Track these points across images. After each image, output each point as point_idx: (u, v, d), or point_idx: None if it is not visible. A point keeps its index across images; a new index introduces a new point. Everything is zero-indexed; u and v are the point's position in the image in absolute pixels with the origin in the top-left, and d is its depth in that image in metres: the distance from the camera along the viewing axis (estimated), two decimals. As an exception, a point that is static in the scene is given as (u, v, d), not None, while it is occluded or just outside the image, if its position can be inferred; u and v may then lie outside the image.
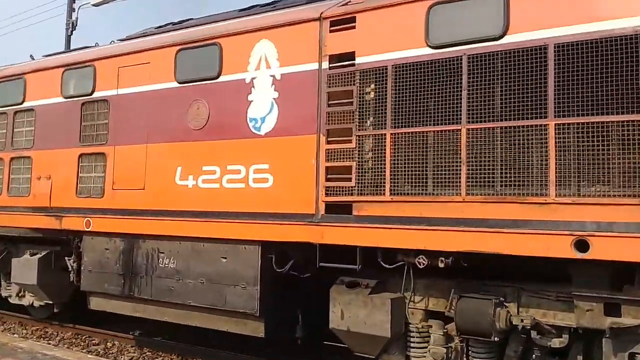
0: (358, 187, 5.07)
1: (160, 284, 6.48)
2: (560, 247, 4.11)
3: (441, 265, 4.56)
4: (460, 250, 4.49)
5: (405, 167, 4.82)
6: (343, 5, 5.40)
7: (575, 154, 4.12)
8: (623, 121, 3.92)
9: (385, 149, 4.92)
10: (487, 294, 4.68)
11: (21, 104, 7.94)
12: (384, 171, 4.91)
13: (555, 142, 4.18)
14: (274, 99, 5.71)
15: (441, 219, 4.60)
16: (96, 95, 7.12)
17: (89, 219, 7.02)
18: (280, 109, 5.64)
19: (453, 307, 4.79)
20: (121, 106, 6.94)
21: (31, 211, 7.60)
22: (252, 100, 5.87)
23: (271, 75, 5.75)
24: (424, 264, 4.68)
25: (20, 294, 8.44)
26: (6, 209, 7.92)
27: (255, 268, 5.76)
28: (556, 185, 4.15)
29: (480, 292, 4.74)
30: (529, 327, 4.54)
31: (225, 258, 5.99)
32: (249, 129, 5.89)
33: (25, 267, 7.79)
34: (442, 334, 4.93)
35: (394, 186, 4.86)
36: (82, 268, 7.21)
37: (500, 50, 4.42)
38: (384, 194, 4.91)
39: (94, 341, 8.06)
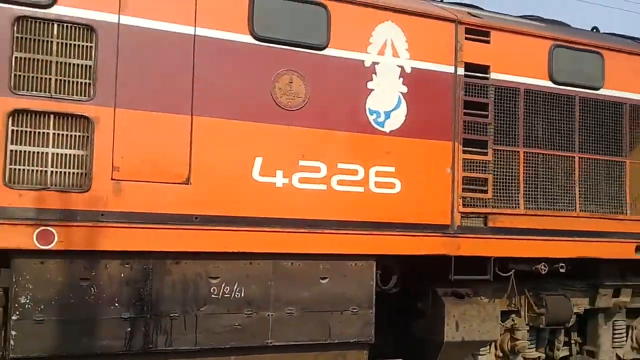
0: (494, 199, 5.59)
1: (214, 324, 4.68)
2: (628, 251, 6.16)
3: (561, 270, 5.79)
4: (573, 257, 5.86)
5: (534, 183, 5.76)
6: (475, 16, 5.72)
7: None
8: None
9: (519, 165, 5.69)
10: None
11: None
12: (518, 185, 5.67)
13: (623, 175, 6.25)
14: (401, 93, 5.29)
15: (560, 230, 5.84)
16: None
17: (47, 229, 4.20)
18: (409, 107, 5.30)
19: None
20: (130, 43, 4.51)
21: None
22: (372, 89, 5.18)
23: (399, 66, 5.29)
24: (544, 270, 5.75)
25: None
26: None
27: (371, 287, 5.17)
28: (630, 206, 6.20)
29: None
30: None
31: (326, 278, 5.05)
32: (369, 122, 5.18)
33: None
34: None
35: (526, 200, 5.72)
36: (13, 319, 4.18)
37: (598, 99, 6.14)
38: (519, 207, 5.67)
39: None
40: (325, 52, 5.07)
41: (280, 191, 4.85)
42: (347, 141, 5.10)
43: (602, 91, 6.10)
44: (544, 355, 6.41)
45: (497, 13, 6.23)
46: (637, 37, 7.02)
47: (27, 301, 4.16)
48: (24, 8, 4.23)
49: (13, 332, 4.13)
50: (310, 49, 5.02)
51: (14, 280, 4.16)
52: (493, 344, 6.12)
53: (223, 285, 4.68)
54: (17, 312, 4.14)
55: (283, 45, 4.93)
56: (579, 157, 5.94)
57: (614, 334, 6.65)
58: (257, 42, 4.86)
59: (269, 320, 4.81)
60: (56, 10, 4.31)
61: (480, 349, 5.95)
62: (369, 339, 5.15)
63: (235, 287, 4.72)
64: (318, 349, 5.07)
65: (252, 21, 4.82)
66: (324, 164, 4.99)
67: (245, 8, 4.81)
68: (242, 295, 4.74)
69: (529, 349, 6.26)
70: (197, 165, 4.60)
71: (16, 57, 4.21)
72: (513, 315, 6.14)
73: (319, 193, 4.97)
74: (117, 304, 4.39)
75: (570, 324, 6.45)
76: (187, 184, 4.57)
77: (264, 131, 4.82)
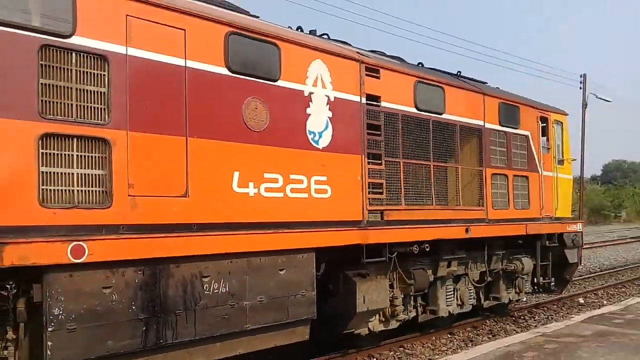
0: (387, 199, 7.41)
1: (209, 315, 5.50)
2: (461, 232, 8.62)
3: (427, 249, 7.93)
4: (433, 239, 8.04)
5: (409, 186, 7.78)
6: (370, 57, 7.44)
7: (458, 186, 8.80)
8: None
9: (399, 172, 7.63)
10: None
11: None
12: (400, 188, 7.61)
13: (457, 177, 8.72)
14: (328, 117, 6.73)
15: (425, 220, 7.96)
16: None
17: (79, 244, 4.56)
18: (334, 128, 6.78)
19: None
20: (138, 74, 5.04)
21: None
22: (309, 114, 6.54)
23: (326, 95, 6.72)
24: (416, 250, 7.80)
25: None
26: None
27: (313, 274, 6.51)
28: (462, 199, 8.71)
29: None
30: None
31: (283, 269, 6.23)
32: (308, 140, 6.51)
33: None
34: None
35: (406, 199, 7.70)
36: (49, 330, 4.43)
37: (442, 121, 8.43)
38: (401, 204, 7.61)
39: None
40: (278, 83, 6.32)
41: (252, 199, 5.97)
42: (295, 156, 6.43)
43: (444, 115, 8.51)
44: (409, 317, 8.61)
45: (373, 51, 8.20)
46: (452, 73, 9.72)
47: (60, 312, 4.59)
48: (47, 37, 4.61)
49: (49, 343, 4.52)
50: (269, 81, 6.23)
51: (48, 294, 4.55)
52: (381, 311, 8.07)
53: (212, 282, 5.62)
54: (52, 324, 4.54)
55: (249, 77, 6.04)
56: (433, 165, 8.26)
57: (446, 295, 9.21)
58: (231, 74, 5.89)
59: (246, 308, 5.88)
60: (75, 40, 4.77)
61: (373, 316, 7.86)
62: (313, 316, 6.57)
63: (221, 283, 5.70)
64: (278, 328, 6.32)
65: (227, 59, 5.84)
66: (281, 175, 6.26)
67: (222, 47, 5.80)
68: (227, 289, 5.73)
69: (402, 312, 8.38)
70: (192, 180, 5.47)
71: (42, 84, 4.58)
72: (393, 287, 8.17)
73: (278, 200, 6.22)
74: (133, 307, 5.04)
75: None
76: (186, 197, 5.42)
77: (239, 149, 5.89)
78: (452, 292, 9.32)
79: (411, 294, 8.34)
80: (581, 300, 12.94)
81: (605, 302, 12.66)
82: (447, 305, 9.15)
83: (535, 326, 9.80)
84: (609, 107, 46.33)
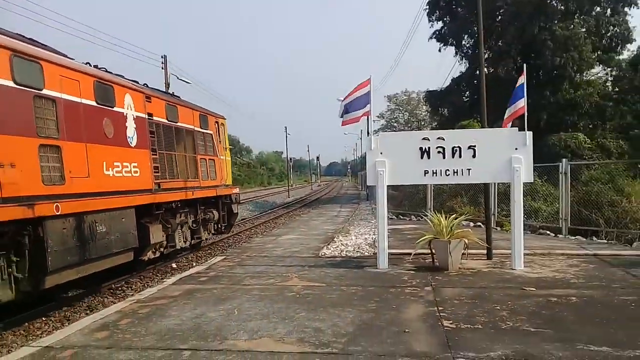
0: (160, 176, 12.47)
1: (100, 243, 9.82)
2: (189, 195, 14.26)
3: (174, 207, 13.30)
4: (179, 199, 13.48)
5: (167, 167, 13.01)
6: (148, 90, 12.27)
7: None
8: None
9: (164, 159, 12.77)
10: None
11: None
12: (165, 168, 12.77)
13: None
14: (134, 128, 11.44)
15: (176, 188, 13.30)
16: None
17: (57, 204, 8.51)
18: (136, 134, 11.51)
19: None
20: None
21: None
22: (127, 126, 11.17)
23: (132, 115, 11.42)
24: (174, 206, 13.14)
25: None
26: None
27: (134, 221, 11.25)
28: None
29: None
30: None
31: (124, 218, 10.80)
32: (128, 142, 11.13)
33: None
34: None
35: (168, 175, 12.87)
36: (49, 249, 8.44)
37: (177, 127, 13.84)
38: (166, 178, 12.77)
39: None
40: (115, 109, 10.93)
41: (110, 178, 10.58)
42: (123, 152, 11.18)
43: (178, 123, 14.06)
44: (175, 248, 13.98)
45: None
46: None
47: (51, 242, 8.66)
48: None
49: (49, 257, 8.55)
50: (109, 107, 10.77)
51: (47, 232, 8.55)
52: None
53: (99, 225, 10.08)
54: (49, 248, 8.60)
55: (104, 105, 10.53)
56: (175, 154, 13.77)
57: (179, 235, 14.90)
58: (96, 104, 10.32)
59: (112, 240, 10.49)
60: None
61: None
62: (136, 245, 11.46)
63: (102, 225, 10.19)
64: (123, 252, 11.00)
65: (95, 95, 10.24)
66: (120, 163, 10.95)
67: (91, 88, 10.18)
68: (104, 229, 10.25)
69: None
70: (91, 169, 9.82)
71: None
72: (163, 230, 13.42)
73: (120, 178, 10.93)
74: (74, 238, 9.32)
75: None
76: (88, 177, 9.78)
77: (102, 149, 10.38)
78: (182, 233, 14.86)
79: (169, 233, 13.65)
80: (174, 265, 14.12)
81: (194, 264, 13.72)
82: (179, 241, 14.63)
83: (132, 295, 9.78)
84: (189, 88, 56.69)
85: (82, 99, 9.88)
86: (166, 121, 13.57)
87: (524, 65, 10.67)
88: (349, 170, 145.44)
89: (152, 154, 12.49)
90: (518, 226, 9.56)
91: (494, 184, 15.71)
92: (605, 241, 13.59)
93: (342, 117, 11.21)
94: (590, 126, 28.06)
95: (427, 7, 33.89)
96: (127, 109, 11.54)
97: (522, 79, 10.19)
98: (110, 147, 10.66)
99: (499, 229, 16.08)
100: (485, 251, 10.66)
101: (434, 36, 33.84)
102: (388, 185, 10.18)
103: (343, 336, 5.88)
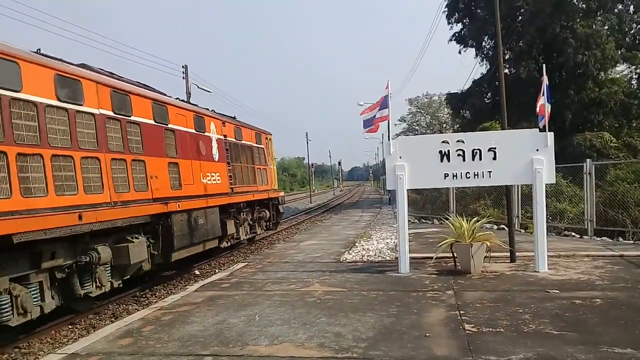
0: (233, 183, 12.95)
1: (200, 231, 13.14)
2: (250, 197, 14.88)
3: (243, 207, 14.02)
4: (247, 200, 14.15)
5: (238, 175, 14.24)
6: (223, 117, 13.58)
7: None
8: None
9: (234, 170, 13.22)
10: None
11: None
12: (242, 177, 13.31)
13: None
14: (217, 147, 15.12)
15: (245, 191, 13.64)
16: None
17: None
18: (218, 152, 15.22)
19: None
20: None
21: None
22: (212, 146, 14.81)
23: (215, 138, 15.29)
24: (242, 206, 14.02)
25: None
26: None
27: (218, 216, 14.51)
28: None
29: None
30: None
31: (213, 214, 14.10)
32: (213, 158, 14.69)
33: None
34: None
35: (238, 181, 13.25)
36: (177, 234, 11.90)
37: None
38: (242, 184, 13.18)
39: None
40: (205, 134, 13.58)
41: (205, 184, 13.43)
42: (212, 164, 14.65)
43: (242, 141, 15.89)
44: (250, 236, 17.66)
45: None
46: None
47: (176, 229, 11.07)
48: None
49: (175, 240, 11.86)
50: (203, 133, 13.03)
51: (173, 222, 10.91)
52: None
53: (199, 218, 12.83)
54: (174, 233, 11.46)
55: (200, 132, 12.07)
56: (249, 167, 15.74)
57: (241, 228, 17.59)
58: (194, 132, 10.58)
59: (208, 229, 13.00)
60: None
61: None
62: (220, 234, 14.66)
63: (201, 219, 12.74)
64: (213, 239, 14.13)
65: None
66: (212, 173, 14.13)
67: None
68: (203, 221, 12.73)
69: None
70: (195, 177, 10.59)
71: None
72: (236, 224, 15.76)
73: (211, 184, 13.84)
74: (187, 227, 12.51)
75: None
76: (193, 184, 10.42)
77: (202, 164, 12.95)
78: (244, 228, 17.80)
79: (237, 228, 16.54)
80: (197, 272, 14.05)
81: (217, 271, 13.67)
82: (243, 235, 17.61)
83: (155, 302, 9.74)
84: (209, 96, 57.91)
85: (187, 128, 13.27)
86: (235, 140, 17.00)
87: (544, 65, 10.58)
88: (370, 174, 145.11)
89: (228, 166, 15.80)
90: (541, 228, 9.48)
91: (517, 185, 15.57)
92: (632, 242, 13.35)
93: (364, 127, 11.34)
94: (616, 125, 27.55)
95: (446, 9, 33.73)
96: (212, 133, 14.93)
97: (545, 80, 10.11)
98: (204, 162, 13.99)
99: (522, 231, 15.91)
100: (508, 254, 10.57)
101: (454, 38, 33.65)
102: (409, 189, 10.18)
103: (363, 341, 5.91)
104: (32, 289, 7.95)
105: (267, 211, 20.19)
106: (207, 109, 15.60)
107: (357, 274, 10.14)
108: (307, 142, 70.84)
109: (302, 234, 20.54)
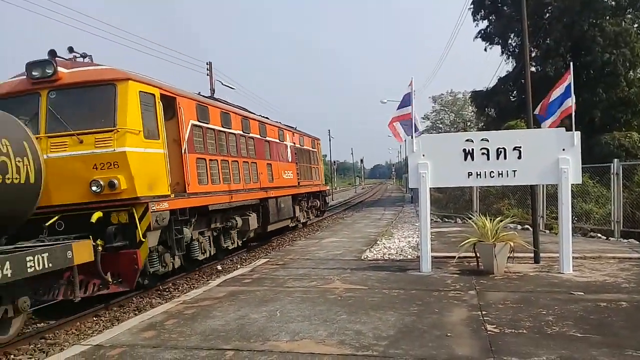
0: (299, 178, 20.00)
1: (282, 212, 18.58)
2: (315, 189, 22.09)
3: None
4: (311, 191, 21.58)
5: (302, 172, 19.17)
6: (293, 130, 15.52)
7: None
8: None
9: (299, 168, 15.03)
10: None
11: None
12: (300, 174, 15.75)
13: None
14: (290, 152, 21.32)
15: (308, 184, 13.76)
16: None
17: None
18: (291, 155, 22.72)
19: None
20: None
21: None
22: (288, 152, 19.85)
23: (289, 145, 21.06)
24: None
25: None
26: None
27: (291, 202, 20.09)
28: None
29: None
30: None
31: (289, 201, 19.77)
32: (288, 160, 20.25)
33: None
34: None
35: (304, 178, 13.88)
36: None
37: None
38: (304, 179, 13.56)
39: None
40: (283, 142, 20.20)
41: (283, 178, 19.39)
42: (288, 165, 20.37)
43: (303, 146, 20.75)
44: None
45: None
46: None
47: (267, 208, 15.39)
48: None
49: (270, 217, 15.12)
50: (282, 142, 19.45)
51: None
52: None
53: (281, 203, 18.53)
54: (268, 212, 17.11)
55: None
56: (307, 166, 21.36)
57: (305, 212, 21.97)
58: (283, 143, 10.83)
59: (284, 211, 19.05)
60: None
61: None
62: (293, 216, 20.75)
63: (282, 203, 18.70)
64: (288, 219, 20.08)
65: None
66: (287, 170, 19.81)
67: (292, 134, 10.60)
68: (283, 205, 18.87)
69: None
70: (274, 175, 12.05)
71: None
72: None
73: (287, 179, 20.09)
74: (275, 208, 17.99)
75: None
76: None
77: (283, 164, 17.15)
78: (303, 214, 23.13)
79: (302, 212, 22.77)
80: (219, 267, 13.89)
81: (239, 266, 13.41)
82: (302, 219, 23.14)
83: (178, 296, 9.77)
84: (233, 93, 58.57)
85: (275, 139, 19.10)
86: (299, 145, 22.89)
87: (571, 63, 10.43)
88: (393, 172, 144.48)
89: (296, 165, 21.58)
90: (566, 229, 9.36)
91: (542, 185, 15.37)
92: (661, 244, 13.11)
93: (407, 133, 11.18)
94: (646, 125, 27.05)
95: (472, 6, 33.40)
96: (287, 141, 20.76)
97: (569, 78, 9.95)
98: (283, 162, 19.70)
99: (547, 231, 15.71)
100: (532, 254, 10.46)
101: (479, 35, 33.32)
102: (432, 188, 10.13)
103: (384, 339, 5.91)
104: (205, 239, 13.22)
105: (317, 201, 25.87)
106: (279, 122, 21.27)
107: (378, 272, 10.13)
108: (330, 140, 70.93)
109: (324, 231, 20.57)
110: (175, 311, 7.76)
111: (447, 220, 21.83)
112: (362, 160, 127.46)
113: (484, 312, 6.87)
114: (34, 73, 9.81)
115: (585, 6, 26.39)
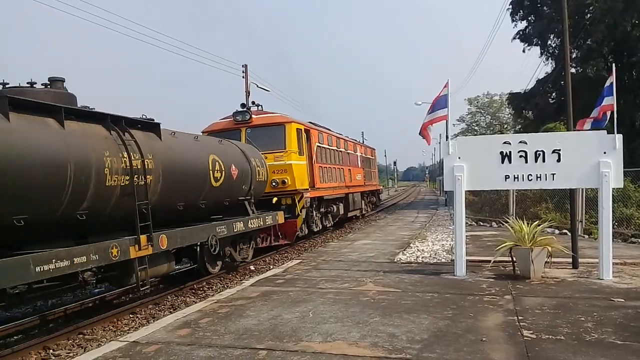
0: (364, 179, 18.62)
1: (353, 203, 24.73)
2: (371, 188, 27.16)
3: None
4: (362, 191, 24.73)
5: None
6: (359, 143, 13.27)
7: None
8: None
9: (363, 172, 16.02)
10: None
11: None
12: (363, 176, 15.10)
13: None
14: (358, 159, 25.60)
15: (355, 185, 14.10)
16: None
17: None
18: (359, 163, 28.24)
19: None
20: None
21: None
22: (357, 159, 24.66)
23: (358, 154, 27.44)
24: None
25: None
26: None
27: (360, 198, 27.23)
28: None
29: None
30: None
31: (359, 196, 26.71)
32: (358, 166, 26.72)
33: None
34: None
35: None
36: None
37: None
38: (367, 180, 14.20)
39: None
40: (355, 153, 27.01)
41: (356, 180, 25.95)
42: (357, 170, 26.58)
43: (366, 155, 21.09)
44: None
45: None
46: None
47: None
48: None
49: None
50: (352, 152, 25.78)
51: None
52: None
53: (354, 197, 25.18)
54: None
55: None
56: (368, 170, 21.75)
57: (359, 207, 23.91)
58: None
59: (356, 204, 25.75)
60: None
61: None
62: (362, 208, 28.08)
63: (353, 197, 24.89)
64: (357, 210, 26.71)
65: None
66: (358, 174, 26.59)
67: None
68: (356, 199, 25.79)
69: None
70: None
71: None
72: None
73: (357, 180, 26.58)
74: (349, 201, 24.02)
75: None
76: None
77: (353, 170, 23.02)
78: (363, 207, 28.66)
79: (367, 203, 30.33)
80: (252, 267, 13.96)
81: (271, 267, 13.46)
82: (364, 211, 29.10)
83: (212, 295, 9.92)
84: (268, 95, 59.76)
85: (351, 151, 25.91)
86: (363, 155, 29.17)
87: (613, 65, 10.20)
88: (426, 175, 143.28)
89: (363, 170, 27.84)
90: (606, 234, 9.15)
91: (582, 189, 15.05)
92: None
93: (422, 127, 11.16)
94: (691, 128, 26.21)
95: (510, 6, 32.95)
96: (356, 152, 27.09)
97: (612, 79, 9.74)
98: (354, 168, 25.67)
99: (586, 236, 15.36)
100: (570, 260, 10.27)
101: (518, 36, 32.86)
102: (466, 191, 10.03)
103: (417, 342, 5.88)
104: (318, 218, 19.81)
105: (374, 197, 33.43)
106: (347, 136, 26.94)
107: (411, 275, 10.08)
108: (363, 142, 70.69)
109: (356, 233, 20.51)
110: (209, 310, 7.87)
111: (481, 223, 21.54)
112: (395, 163, 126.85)
113: (520, 317, 6.77)
114: (237, 118, 17.11)
115: (629, 6, 25.73)
